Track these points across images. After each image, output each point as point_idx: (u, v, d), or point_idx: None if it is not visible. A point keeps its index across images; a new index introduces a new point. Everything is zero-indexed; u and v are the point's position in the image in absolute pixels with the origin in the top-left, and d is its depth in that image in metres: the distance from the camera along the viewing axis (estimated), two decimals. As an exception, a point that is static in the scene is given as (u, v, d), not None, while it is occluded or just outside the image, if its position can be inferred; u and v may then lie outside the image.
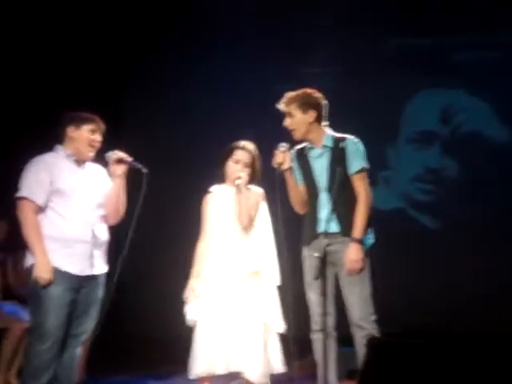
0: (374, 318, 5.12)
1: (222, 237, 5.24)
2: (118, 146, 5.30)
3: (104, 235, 5.19)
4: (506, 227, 8.06)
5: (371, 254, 5.19)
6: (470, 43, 8.35)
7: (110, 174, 5.21)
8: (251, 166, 5.30)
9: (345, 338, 5.25)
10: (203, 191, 5.47)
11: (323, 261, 4.96)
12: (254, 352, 5.10)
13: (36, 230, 4.96)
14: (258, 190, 5.33)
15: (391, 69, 8.24)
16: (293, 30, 8.48)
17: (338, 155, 5.17)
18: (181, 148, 8.56)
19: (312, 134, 5.23)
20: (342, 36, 8.29)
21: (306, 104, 5.19)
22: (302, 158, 5.29)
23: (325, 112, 5.28)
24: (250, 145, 5.36)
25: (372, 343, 4.26)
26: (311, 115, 5.20)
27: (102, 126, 5.20)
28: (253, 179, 5.33)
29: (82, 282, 5.05)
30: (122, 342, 8.09)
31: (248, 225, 5.22)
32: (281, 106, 5.24)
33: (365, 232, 5.12)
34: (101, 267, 5.17)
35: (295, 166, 5.29)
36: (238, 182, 5.22)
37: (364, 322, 5.08)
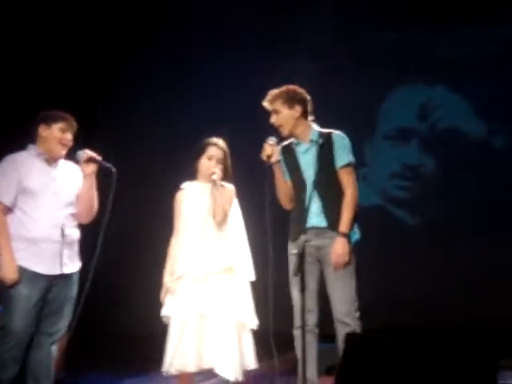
0: (358, 314, 5.12)
1: (195, 233, 5.24)
2: (91, 144, 5.30)
3: (74, 234, 5.19)
4: (483, 223, 8.10)
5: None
6: (448, 39, 8.38)
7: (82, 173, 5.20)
8: (223, 162, 5.31)
9: (324, 335, 5.26)
10: (175, 187, 5.46)
11: (302, 257, 4.92)
12: (226, 348, 5.10)
13: (2, 231, 4.99)
14: (230, 187, 5.35)
15: (368, 65, 8.26)
16: (272, 28, 8.50)
17: (325, 150, 5.17)
18: (153, 145, 8.56)
19: (299, 129, 5.23)
20: (318, 32, 8.30)
21: (291, 99, 5.19)
22: (289, 153, 5.29)
23: (310, 107, 5.28)
24: (221, 141, 5.37)
25: (350, 339, 4.28)
26: (297, 110, 5.20)
27: (74, 124, 5.20)
28: (225, 175, 5.33)
29: (51, 281, 5.05)
30: (102, 339, 8.08)
31: (223, 220, 5.24)
32: (265, 103, 5.23)
33: (351, 226, 5.13)
34: (71, 266, 5.17)
35: (282, 161, 5.28)
36: (214, 177, 5.22)
37: (348, 318, 5.07)
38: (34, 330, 5.04)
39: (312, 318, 5.16)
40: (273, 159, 5.13)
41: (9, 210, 5.03)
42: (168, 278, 5.27)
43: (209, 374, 5.38)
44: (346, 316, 5.08)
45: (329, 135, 5.22)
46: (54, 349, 5.15)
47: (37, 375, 5.08)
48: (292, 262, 5.14)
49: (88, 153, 5.14)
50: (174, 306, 5.19)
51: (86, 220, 5.24)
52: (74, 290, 5.18)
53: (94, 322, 7.91)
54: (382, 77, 8.24)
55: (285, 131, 5.24)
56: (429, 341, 4.09)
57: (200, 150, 5.32)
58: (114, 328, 8.47)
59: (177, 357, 5.08)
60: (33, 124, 5.17)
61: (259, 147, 5.22)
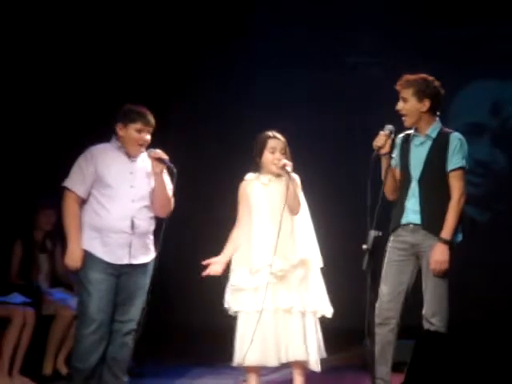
0: (445, 315, 5.00)
1: (268, 226, 5.21)
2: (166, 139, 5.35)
3: (146, 226, 5.24)
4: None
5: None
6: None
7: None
8: (285, 152, 5.29)
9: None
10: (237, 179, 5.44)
11: (372, 253, 4.80)
12: (310, 341, 5.10)
13: (74, 221, 5.13)
14: (296, 177, 5.31)
15: (441, 59, 8.16)
16: (336, 22, 8.48)
17: (439, 148, 5.03)
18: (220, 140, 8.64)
19: (421, 123, 5.08)
20: (391, 27, 8.25)
21: (423, 92, 5.02)
22: (405, 144, 5.16)
23: (441, 102, 5.13)
24: (277, 133, 5.33)
25: (421, 336, 4.25)
26: (425, 104, 5.04)
27: (151, 122, 5.23)
28: None
29: (120, 269, 5.13)
30: (169, 331, 8.15)
31: (299, 210, 5.20)
32: (397, 87, 5.09)
33: (454, 232, 4.99)
34: (141, 257, 5.22)
35: (398, 151, 5.17)
36: (288, 168, 5.18)
37: (435, 318, 4.96)
38: (110, 318, 5.12)
39: (393, 316, 5.08)
40: (382, 151, 4.95)
41: (82, 200, 5.15)
42: (237, 274, 5.20)
43: (272, 367, 5.36)
44: (433, 316, 4.98)
45: (447, 135, 5.07)
46: (130, 339, 5.21)
47: (111, 365, 5.16)
48: (386, 256, 5.08)
49: (156, 152, 5.18)
50: (246, 301, 5.14)
51: (162, 214, 5.27)
52: (145, 280, 5.21)
53: (162, 313, 7.99)
54: (453, 73, 8.12)
55: (407, 122, 5.09)
56: (499, 337, 4.05)
57: (261, 144, 5.29)
58: (181, 320, 8.54)
59: (255, 351, 5.06)
60: (113, 120, 5.24)
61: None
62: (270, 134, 5.31)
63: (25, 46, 7.66)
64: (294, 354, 5.07)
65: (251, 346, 5.03)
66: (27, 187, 7.53)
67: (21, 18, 7.55)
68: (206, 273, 5.24)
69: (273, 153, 5.25)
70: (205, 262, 5.26)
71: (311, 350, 5.11)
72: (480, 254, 8.03)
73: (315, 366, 5.13)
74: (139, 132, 5.18)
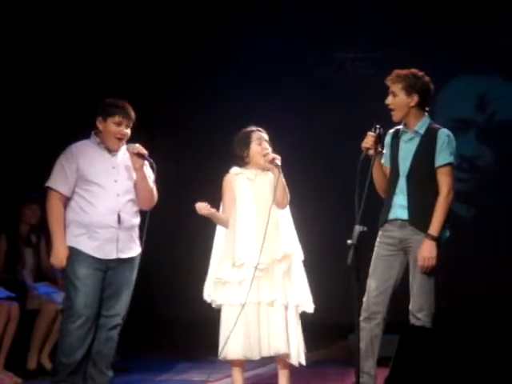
0: (432, 311, 4.98)
1: (254, 220, 5.19)
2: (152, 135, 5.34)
3: (132, 220, 5.23)
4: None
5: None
6: (506, 29, 8.27)
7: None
8: (270, 145, 5.27)
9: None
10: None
11: (357, 248, 4.80)
12: (291, 334, 5.10)
13: (58, 220, 5.13)
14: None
15: (426, 55, 8.17)
16: (331, 16, 8.49)
17: (427, 144, 5.01)
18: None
19: (410, 118, 5.06)
20: (379, 22, 8.26)
21: (411, 87, 5.00)
22: (395, 140, 5.14)
23: (430, 97, 5.11)
24: (260, 128, 5.32)
25: (406, 331, 4.25)
26: (414, 99, 5.01)
27: (131, 115, 5.22)
28: None
29: (108, 264, 5.13)
30: (154, 325, 8.15)
31: (287, 205, 5.21)
32: (387, 82, 5.07)
33: (442, 229, 4.95)
34: (128, 251, 5.21)
35: (388, 147, 5.16)
36: (278, 162, 5.17)
37: (421, 313, 4.95)
38: (96, 312, 5.12)
39: (380, 311, 5.08)
40: (370, 152, 4.96)
41: (67, 199, 5.15)
42: (222, 267, 5.19)
43: (257, 362, 5.37)
44: (419, 311, 4.97)
45: (435, 131, 5.04)
46: (115, 334, 5.20)
47: (96, 359, 5.15)
48: (374, 251, 5.08)
49: (135, 147, 5.18)
50: (230, 295, 5.14)
51: (146, 207, 5.28)
52: (131, 275, 5.22)
53: (147, 307, 8.00)
54: (439, 68, 8.14)
55: (396, 117, 5.07)
56: (484, 333, 4.05)
57: (246, 138, 5.26)
58: (165, 313, 8.54)
59: (238, 344, 5.05)
60: (94, 114, 5.24)
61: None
62: (253, 128, 5.29)
63: (9, 44, 7.61)
64: (276, 347, 5.05)
65: (234, 340, 5.03)
66: (12, 181, 7.51)
67: (4, 17, 7.52)
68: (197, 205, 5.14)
69: (259, 144, 5.24)
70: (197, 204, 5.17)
71: (292, 343, 5.10)
72: (466, 250, 8.05)
73: (295, 359, 5.11)
74: (118, 125, 5.16)
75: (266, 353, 5.07)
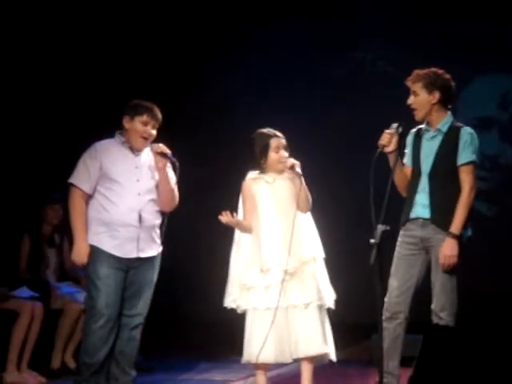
0: (454, 310, 4.97)
1: (279, 225, 5.17)
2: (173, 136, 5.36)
3: (153, 219, 5.25)
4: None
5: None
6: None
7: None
8: (288, 151, 5.25)
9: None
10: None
11: (379, 248, 4.78)
12: (327, 333, 5.11)
13: (80, 217, 5.16)
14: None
15: (451, 54, 8.14)
16: (343, 17, 8.48)
17: (450, 142, 5.01)
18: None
19: (432, 116, 5.06)
20: (397, 21, 8.24)
21: (432, 84, 5.01)
22: (417, 139, 5.15)
23: (452, 95, 5.11)
24: (277, 132, 5.29)
25: (429, 330, 4.24)
26: (435, 96, 5.02)
27: (158, 116, 5.24)
28: None
29: (129, 264, 5.15)
30: (177, 325, 8.16)
31: (309, 209, 5.19)
32: (408, 82, 5.08)
33: (463, 227, 4.95)
34: (149, 251, 5.23)
35: (410, 146, 5.17)
36: (298, 169, 5.14)
37: (443, 313, 4.93)
38: (118, 312, 5.14)
39: (402, 310, 5.06)
40: (387, 149, 4.97)
41: (89, 196, 5.17)
42: (249, 273, 5.17)
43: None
44: (442, 310, 4.96)
45: (458, 129, 5.04)
46: (137, 333, 5.23)
47: (118, 359, 5.17)
48: (396, 251, 5.07)
49: (158, 147, 5.20)
50: (255, 299, 5.10)
51: (167, 209, 5.31)
52: (153, 274, 5.24)
53: (170, 307, 8.02)
54: (463, 66, 8.10)
55: (418, 115, 5.07)
56: (508, 333, 4.04)
57: (263, 145, 5.23)
58: (188, 313, 8.55)
59: (269, 349, 5.01)
60: (121, 113, 5.27)
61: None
62: (271, 133, 5.25)
63: (33, 43, 7.69)
64: (310, 349, 5.03)
65: (265, 344, 5.01)
66: (34, 182, 7.56)
67: (27, 14, 7.57)
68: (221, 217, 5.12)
69: (277, 152, 5.22)
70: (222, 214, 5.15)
71: (329, 341, 5.12)
72: (487, 249, 8.00)
73: (333, 356, 5.14)
74: (145, 125, 5.20)
75: (300, 354, 5.05)
